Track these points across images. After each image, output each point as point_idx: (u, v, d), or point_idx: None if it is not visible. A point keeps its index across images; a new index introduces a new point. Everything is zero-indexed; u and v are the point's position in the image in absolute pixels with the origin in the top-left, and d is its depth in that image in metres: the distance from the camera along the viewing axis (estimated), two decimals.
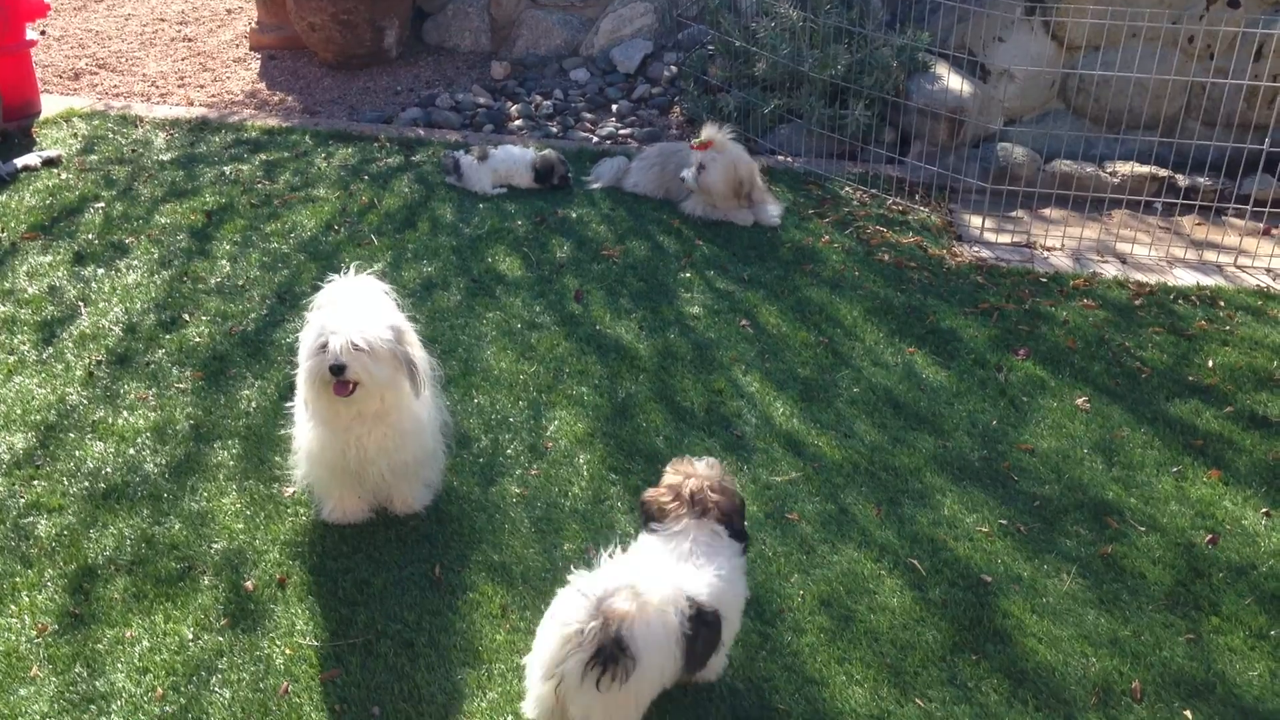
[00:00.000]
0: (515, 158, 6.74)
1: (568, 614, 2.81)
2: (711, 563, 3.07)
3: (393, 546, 3.85)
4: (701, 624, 2.97)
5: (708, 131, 6.36)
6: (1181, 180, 6.71)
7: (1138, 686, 3.41)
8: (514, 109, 8.11)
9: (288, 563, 3.74)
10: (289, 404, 4.57)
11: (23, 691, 3.24)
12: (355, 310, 3.57)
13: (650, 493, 3.25)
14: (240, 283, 5.51)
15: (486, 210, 6.40)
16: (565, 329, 5.25)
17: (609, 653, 2.74)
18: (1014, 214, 6.66)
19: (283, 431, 4.41)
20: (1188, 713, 3.33)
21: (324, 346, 3.49)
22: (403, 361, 3.61)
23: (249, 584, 3.64)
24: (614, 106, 8.24)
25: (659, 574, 2.96)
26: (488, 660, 3.41)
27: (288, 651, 3.38)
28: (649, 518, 3.20)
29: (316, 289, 3.88)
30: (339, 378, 3.48)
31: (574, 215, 6.42)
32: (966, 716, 3.31)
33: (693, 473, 3.25)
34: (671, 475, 3.27)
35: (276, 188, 6.56)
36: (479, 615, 3.58)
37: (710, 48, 8.11)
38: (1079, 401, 4.82)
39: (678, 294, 5.63)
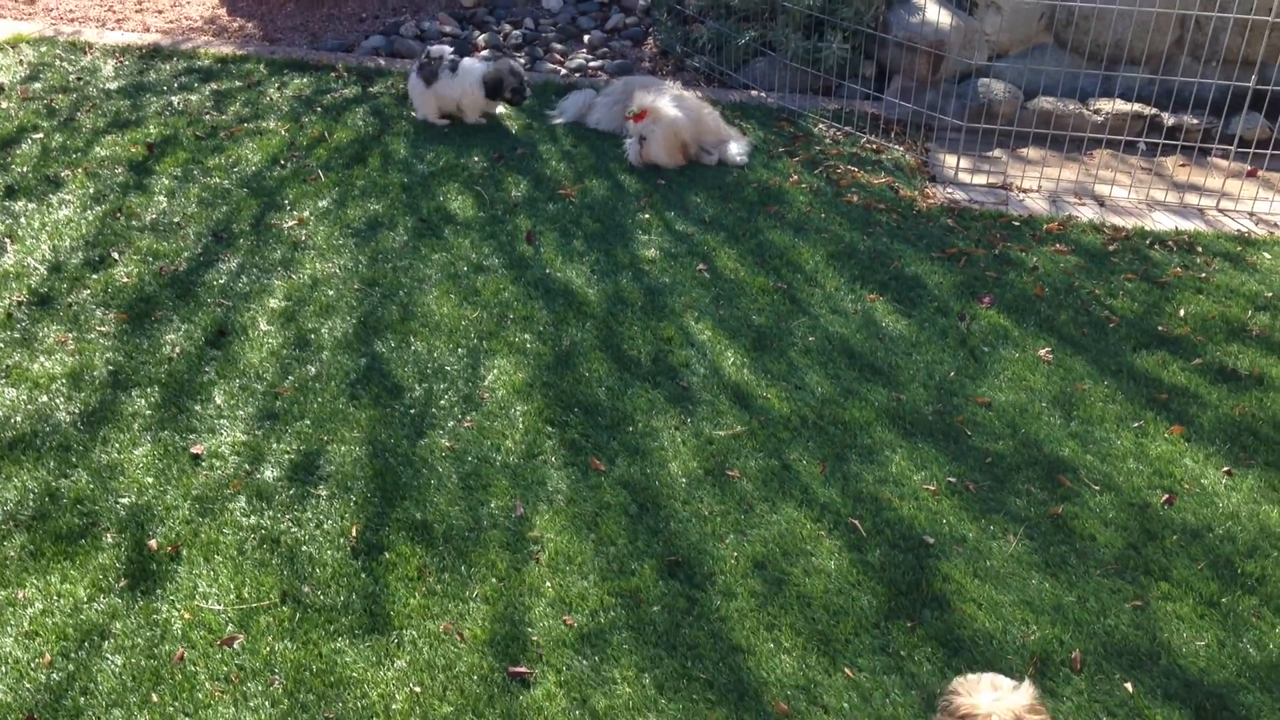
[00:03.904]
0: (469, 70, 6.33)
1: None
2: None
3: (309, 503, 3.69)
4: None
5: (640, 99, 6.08)
6: (1167, 119, 6.43)
7: (1078, 656, 3.26)
8: (481, 38, 7.81)
9: (197, 519, 3.59)
10: (215, 350, 4.41)
11: None
12: None
13: None
14: (176, 219, 5.29)
15: (443, 146, 6.15)
16: (513, 272, 5.04)
17: None
18: (992, 153, 6.41)
19: (205, 378, 4.24)
20: (1128, 685, 3.19)
21: None
22: None
23: (153, 543, 3.48)
24: (586, 37, 7.93)
25: None
26: (399, 626, 3.26)
27: (187, 616, 3.24)
28: None
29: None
30: None
31: (533, 152, 6.17)
32: (896, 688, 3.17)
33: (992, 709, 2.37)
34: (965, 700, 2.41)
35: (224, 119, 6.31)
36: (394, 577, 3.42)
37: None
38: (1041, 352, 4.62)
39: (635, 236, 5.41)
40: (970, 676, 2.46)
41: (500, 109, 6.50)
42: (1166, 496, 3.87)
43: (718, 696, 3.12)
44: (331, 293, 4.80)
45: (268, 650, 3.15)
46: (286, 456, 3.87)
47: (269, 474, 3.79)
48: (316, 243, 5.15)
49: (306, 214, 5.39)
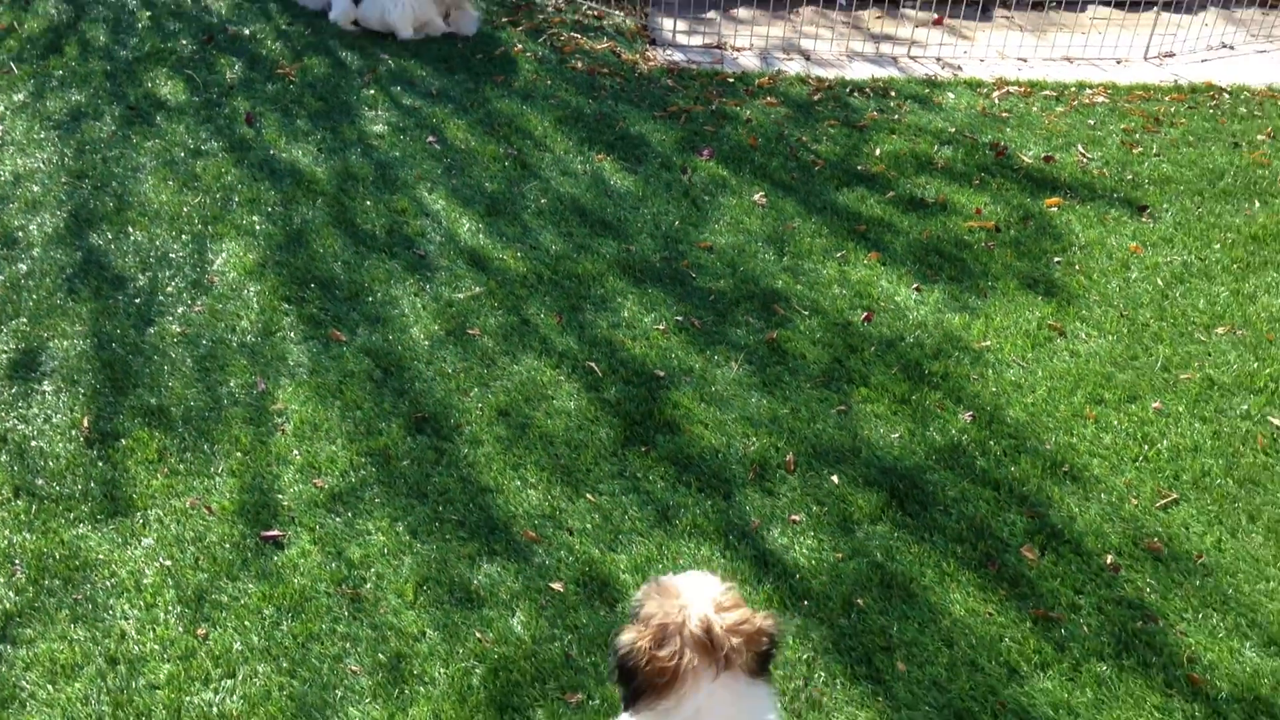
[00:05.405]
0: None
1: None
2: None
3: (35, 399, 3.59)
4: None
5: None
6: None
7: (791, 459, 3.63)
8: None
9: None
10: None
11: None
12: None
13: (628, 636, 2.07)
14: None
15: (145, 30, 5.84)
16: (235, 155, 4.92)
17: None
18: (706, 15, 6.65)
19: None
20: (834, 477, 3.58)
21: None
22: None
23: None
24: None
25: None
26: (142, 507, 3.27)
27: None
28: (636, 688, 2.06)
29: None
30: None
31: (246, 32, 5.95)
32: (634, 505, 3.44)
33: (686, 601, 2.08)
34: (654, 604, 2.11)
35: None
36: (133, 462, 3.41)
37: None
38: (756, 197, 4.94)
39: (361, 112, 5.36)
40: (660, 580, 2.17)
41: None
42: (865, 314, 4.28)
43: (469, 534, 3.30)
44: (37, 188, 4.56)
45: (4, 543, 3.10)
46: (4, 355, 3.73)
47: None
48: (15, 138, 4.85)
49: (1, 110, 5.04)
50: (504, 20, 6.37)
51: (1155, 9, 6.58)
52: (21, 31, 5.73)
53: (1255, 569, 3.28)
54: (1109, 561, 3.29)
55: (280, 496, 3.37)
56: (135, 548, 3.14)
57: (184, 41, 5.78)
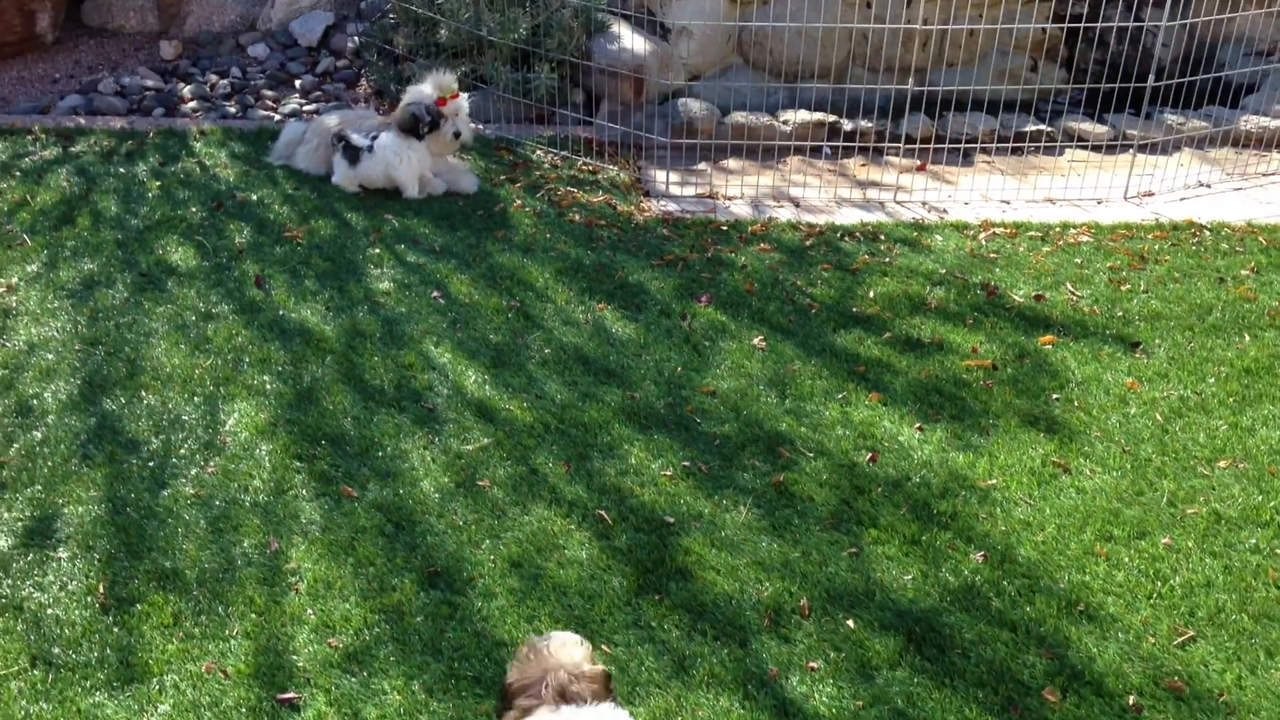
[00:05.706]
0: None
1: None
2: None
3: (50, 566, 3.60)
4: None
5: (446, 81, 6.28)
6: (846, 124, 7.13)
7: (806, 604, 3.63)
8: (187, 90, 7.67)
9: None
10: None
11: None
12: None
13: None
14: None
15: (156, 199, 6.03)
16: (245, 317, 5.03)
17: None
18: (697, 167, 6.90)
19: None
20: (850, 621, 3.57)
21: None
22: None
23: None
24: (297, 82, 7.92)
25: None
26: (158, 672, 3.25)
27: None
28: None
29: None
30: None
31: (254, 197, 6.15)
32: (649, 655, 3.42)
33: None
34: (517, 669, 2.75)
35: None
36: (148, 627, 3.40)
37: (392, 16, 7.93)
38: (756, 341, 5.05)
39: (366, 271, 5.50)
40: (532, 640, 2.72)
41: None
42: (870, 455, 4.34)
43: (485, 690, 3.28)
44: (51, 356, 4.65)
45: (22, 714, 3.07)
46: (20, 524, 3.75)
47: (2, 543, 3.67)
48: (29, 308, 4.97)
49: (15, 280, 5.18)
50: (502, 178, 6.59)
51: (1131, 151, 6.85)
52: (34, 204, 5.91)
53: (1278, 706, 3.26)
54: (1131, 702, 3.27)
55: (295, 657, 3.35)
56: (152, 715, 3.11)
57: (194, 209, 5.96)
